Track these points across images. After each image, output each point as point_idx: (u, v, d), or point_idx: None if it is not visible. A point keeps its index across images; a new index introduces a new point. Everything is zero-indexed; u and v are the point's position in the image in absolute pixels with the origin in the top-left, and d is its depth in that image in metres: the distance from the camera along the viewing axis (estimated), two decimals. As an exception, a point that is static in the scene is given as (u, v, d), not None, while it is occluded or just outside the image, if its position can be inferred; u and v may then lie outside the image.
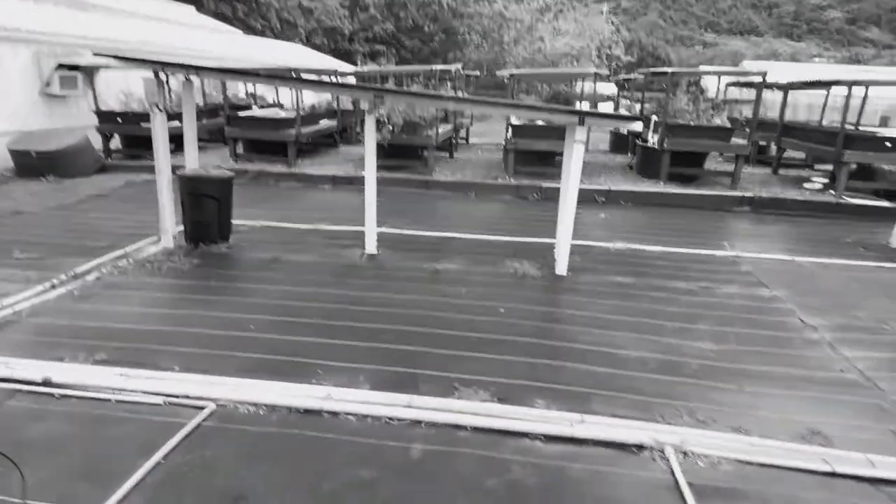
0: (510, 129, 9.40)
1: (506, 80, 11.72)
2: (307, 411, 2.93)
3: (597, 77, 11.44)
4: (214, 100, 12.44)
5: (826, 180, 9.57)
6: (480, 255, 5.77)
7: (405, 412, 2.92)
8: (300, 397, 3.00)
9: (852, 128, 9.51)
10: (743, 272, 5.55)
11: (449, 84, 13.12)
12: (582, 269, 5.38)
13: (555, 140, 8.75)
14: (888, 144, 8.49)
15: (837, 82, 9.54)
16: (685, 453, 2.68)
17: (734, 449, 2.72)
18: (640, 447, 2.74)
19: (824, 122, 11.12)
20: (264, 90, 14.64)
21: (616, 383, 3.39)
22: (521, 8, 26.20)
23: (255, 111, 11.28)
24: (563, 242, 5.22)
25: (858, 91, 9.05)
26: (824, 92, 10.90)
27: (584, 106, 13.47)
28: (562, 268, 5.24)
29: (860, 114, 9.84)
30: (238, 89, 14.45)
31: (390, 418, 2.88)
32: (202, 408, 2.90)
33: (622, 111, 15.05)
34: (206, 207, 5.57)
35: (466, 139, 14.29)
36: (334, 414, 2.91)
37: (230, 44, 17.53)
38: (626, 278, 5.22)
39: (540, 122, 9.18)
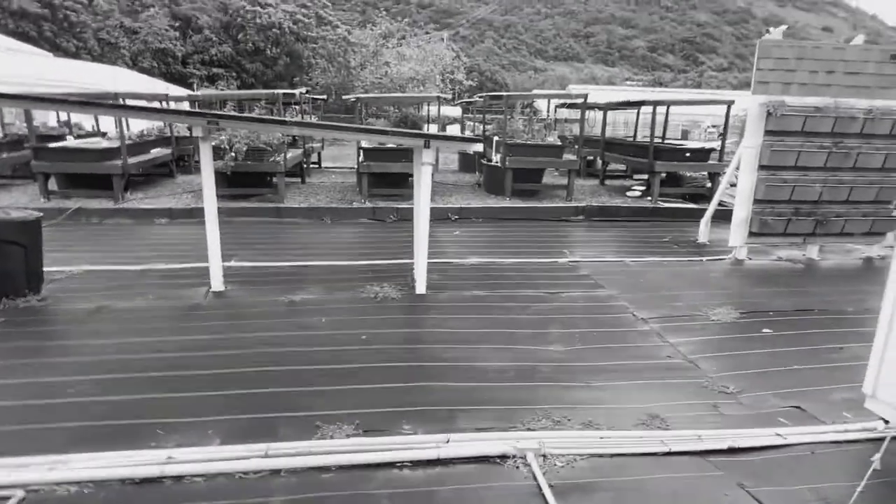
0: (362, 153, 9.37)
1: (353, 103, 11.71)
2: (145, 480, 2.57)
3: (440, 100, 11.89)
4: (18, 130, 10.79)
5: (643, 188, 10.86)
6: (339, 281, 5.62)
7: (262, 463, 2.70)
8: (134, 465, 2.63)
9: (660, 141, 10.94)
10: (583, 276, 6.05)
11: (295, 108, 12.75)
12: (440, 287, 5.48)
13: (406, 162, 8.89)
14: (688, 155, 9.88)
15: (643, 102, 10.93)
16: (545, 456, 2.80)
17: (587, 444, 2.90)
18: (504, 457, 2.81)
19: (638, 138, 12.67)
20: (82, 118, 13.04)
21: (479, 396, 3.46)
22: (364, 33, 26.55)
23: (71, 142, 9.99)
24: (420, 262, 5.27)
25: (663, 109, 10.46)
26: (635, 111, 12.45)
27: (433, 128, 13.93)
28: (421, 287, 5.28)
29: (664, 129, 11.38)
30: (48, 118, 12.71)
31: (244, 472, 2.64)
32: (6, 498, 2.41)
33: (468, 132, 15.81)
34: (7, 255, 4.75)
35: (319, 164, 13.99)
36: (178, 478, 2.59)
37: (33, 66, 15.42)
38: (481, 291, 5.41)
39: (391, 145, 9.28)
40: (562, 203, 9.65)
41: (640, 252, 7.14)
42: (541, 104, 17.64)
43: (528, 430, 3.07)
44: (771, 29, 6.50)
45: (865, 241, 7.14)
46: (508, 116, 10.22)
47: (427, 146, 4.95)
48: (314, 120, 14.13)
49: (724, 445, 2.91)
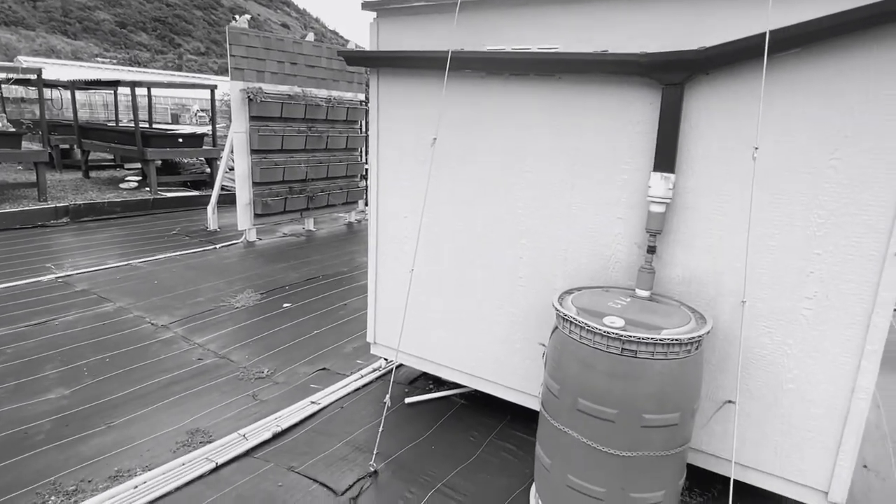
0: None
1: None
2: None
3: None
4: None
5: (139, 178, 9.86)
6: None
7: None
8: None
9: (147, 126, 10.07)
10: (79, 292, 5.00)
11: None
12: None
13: None
14: (181, 140, 9.46)
15: (119, 83, 9.76)
16: (60, 550, 2.13)
17: None
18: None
19: (123, 122, 11.32)
20: None
21: (-68, 510, 2.36)
22: None
23: None
24: None
25: (144, 91, 9.57)
26: (113, 91, 11.02)
27: None
28: None
29: (150, 113, 10.53)
30: None
31: None
32: None
33: None
34: None
35: None
36: None
37: None
38: (-86, 350, 3.73)
39: None
40: (34, 205, 7.70)
41: (148, 250, 6.45)
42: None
43: (28, 523, 2.28)
44: (237, 17, 6.72)
45: (345, 210, 8.55)
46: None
47: None
48: None
49: (269, 434, 2.91)
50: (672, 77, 2.18)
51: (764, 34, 1.92)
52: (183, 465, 2.66)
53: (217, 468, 2.66)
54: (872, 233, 1.99)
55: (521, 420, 3.17)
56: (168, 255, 6.32)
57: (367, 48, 3.15)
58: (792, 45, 1.94)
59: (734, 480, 2.10)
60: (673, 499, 2.14)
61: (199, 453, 2.76)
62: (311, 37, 7.60)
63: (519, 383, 2.95)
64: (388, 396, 2.76)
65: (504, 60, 2.57)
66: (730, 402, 2.28)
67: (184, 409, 3.22)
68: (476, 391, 3.40)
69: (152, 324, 4.39)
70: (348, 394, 3.44)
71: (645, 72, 2.23)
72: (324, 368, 3.80)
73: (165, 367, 3.73)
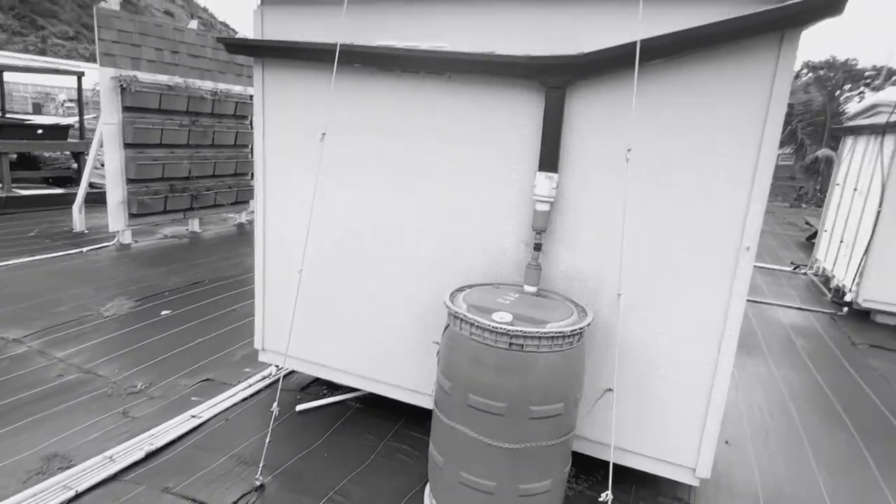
0: None
1: None
2: None
3: None
4: None
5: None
6: None
7: None
8: None
9: (0, 115, 8.90)
10: None
11: None
12: None
13: None
14: (40, 132, 8.46)
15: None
16: None
17: (-51, 548, 2.04)
18: None
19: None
20: None
21: None
22: None
23: None
24: None
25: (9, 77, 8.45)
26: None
27: None
28: None
29: (2, 100, 9.32)
30: None
31: None
32: None
33: None
34: None
35: None
36: None
37: None
38: None
39: None
40: None
41: (0, 255, 5.69)
42: None
43: None
44: (107, -2, 6.12)
45: (235, 210, 8.09)
46: None
47: None
48: None
49: (142, 454, 2.65)
50: (554, 80, 2.26)
51: (635, 43, 2.04)
52: (35, 496, 2.34)
53: (77, 496, 2.38)
54: (729, 229, 2.19)
55: (416, 420, 3.15)
56: (24, 259, 5.61)
57: (252, 37, 2.98)
58: (657, 55, 2.08)
59: (614, 464, 2.22)
60: (560, 487, 2.22)
61: (55, 481, 2.45)
62: (194, 24, 7.11)
63: (414, 384, 2.93)
64: (275, 405, 2.62)
65: (394, 56, 2.53)
66: (609, 389, 2.41)
67: (39, 434, 2.85)
68: (371, 394, 3.34)
69: (2, 338, 3.86)
70: (234, 405, 3.23)
71: (529, 74, 2.30)
72: (207, 379, 3.54)
73: (17, 386, 3.29)
